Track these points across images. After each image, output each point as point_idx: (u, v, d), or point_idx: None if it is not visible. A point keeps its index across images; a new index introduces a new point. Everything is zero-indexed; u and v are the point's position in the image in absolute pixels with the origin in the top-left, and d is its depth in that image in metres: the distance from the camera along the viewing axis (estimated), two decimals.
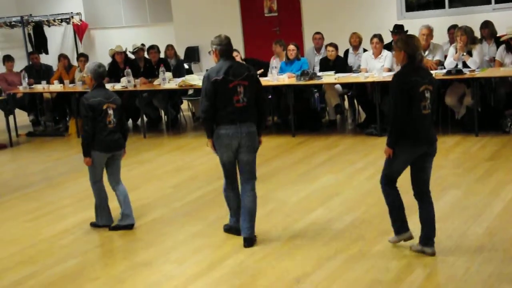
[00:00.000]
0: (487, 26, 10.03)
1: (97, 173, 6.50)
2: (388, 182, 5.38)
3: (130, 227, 6.54)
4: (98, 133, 6.33)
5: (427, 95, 5.19)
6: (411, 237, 5.45)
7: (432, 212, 5.32)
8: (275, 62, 11.15)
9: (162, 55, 12.34)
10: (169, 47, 12.58)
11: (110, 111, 6.36)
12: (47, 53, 17.40)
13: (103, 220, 6.61)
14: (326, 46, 10.89)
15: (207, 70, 5.94)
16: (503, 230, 5.66)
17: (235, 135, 5.79)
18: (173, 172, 8.68)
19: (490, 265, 4.97)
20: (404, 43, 5.25)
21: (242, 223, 5.90)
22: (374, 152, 8.81)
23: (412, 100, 5.13)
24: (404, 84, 5.15)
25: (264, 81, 10.42)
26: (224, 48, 5.87)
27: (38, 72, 12.96)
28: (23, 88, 12.02)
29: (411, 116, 5.15)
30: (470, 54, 9.38)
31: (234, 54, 10.22)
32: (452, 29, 10.24)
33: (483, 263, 5.03)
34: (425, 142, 5.24)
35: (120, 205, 6.55)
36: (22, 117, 12.79)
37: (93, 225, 6.67)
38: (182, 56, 14.39)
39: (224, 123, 5.79)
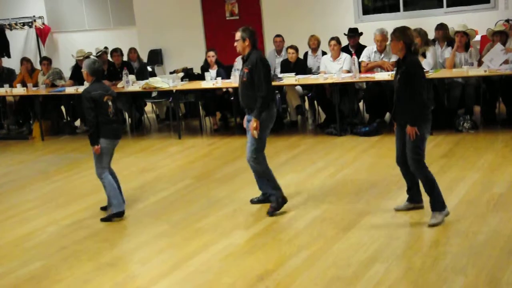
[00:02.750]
0: (441, 28, 10.22)
1: (106, 160, 6.81)
2: (424, 163, 5.92)
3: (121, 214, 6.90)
4: (104, 123, 6.68)
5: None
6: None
7: None
8: (237, 64, 11.21)
9: (125, 58, 12.37)
10: (132, 50, 12.62)
11: (110, 102, 6.75)
12: (9, 56, 17.23)
13: (118, 207, 6.84)
14: (287, 49, 11.00)
15: (257, 57, 6.38)
16: (457, 225, 5.79)
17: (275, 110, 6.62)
18: (137, 174, 8.69)
19: (445, 259, 5.08)
20: (402, 34, 5.75)
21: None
22: (334, 151, 8.96)
23: (423, 82, 5.76)
24: (421, 69, 5.81)
25: (227, 83, 10.55)
26: (256, 39, 6.52)
27: (0, 76, 12.81)
28: None
29: (423, 96, 5.76)
30: (424, 55, 9.55)
31: (211, 54, 10.73)
32: None
33: (439, 256, 5.14)
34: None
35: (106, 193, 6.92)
36: None
37: (106, 219, 6.86)
38: (145, 59, 14.42)
39: (272, 101, 6.53)
